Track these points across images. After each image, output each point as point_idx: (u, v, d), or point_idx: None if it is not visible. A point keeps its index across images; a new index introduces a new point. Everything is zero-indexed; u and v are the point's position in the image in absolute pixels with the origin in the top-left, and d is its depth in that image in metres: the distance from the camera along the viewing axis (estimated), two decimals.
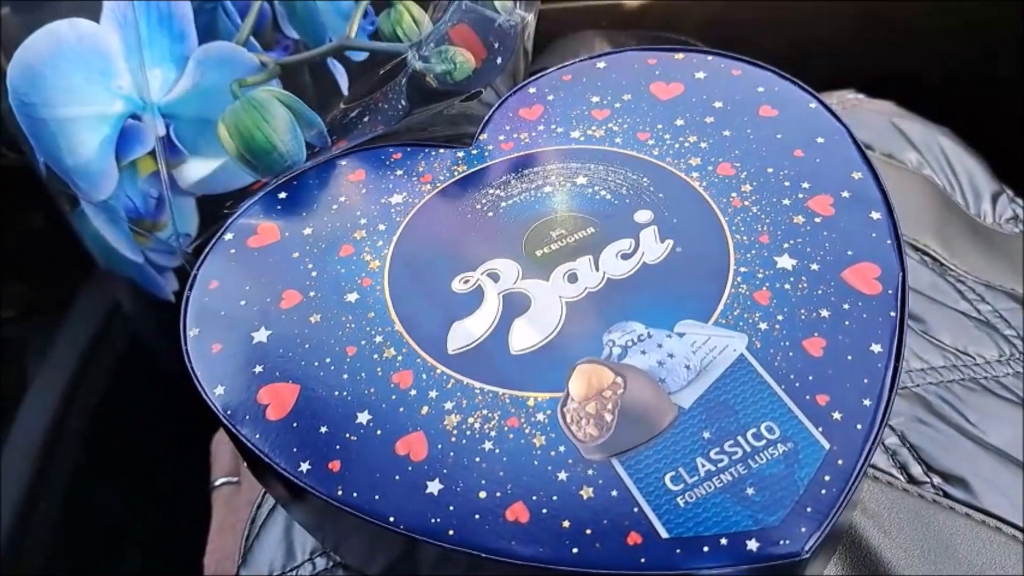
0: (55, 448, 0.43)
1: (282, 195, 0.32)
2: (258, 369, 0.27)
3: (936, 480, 0.29)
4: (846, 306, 0.26)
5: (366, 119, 0.34)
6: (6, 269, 0.49)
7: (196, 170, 0.35)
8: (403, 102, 0.34)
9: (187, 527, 0.37)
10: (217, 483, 0.36)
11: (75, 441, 0.44)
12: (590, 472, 0.23)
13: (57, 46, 0.33)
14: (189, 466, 0.39)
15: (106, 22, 0.34)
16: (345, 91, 0.35)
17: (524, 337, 0.27)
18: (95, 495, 0.45)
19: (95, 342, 0.48)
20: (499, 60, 0.35)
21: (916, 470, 0.30)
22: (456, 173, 0.32)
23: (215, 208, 0.35)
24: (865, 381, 0.24)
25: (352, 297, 0.28)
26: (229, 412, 0.26)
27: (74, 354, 0.46)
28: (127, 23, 0.34)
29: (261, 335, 0.28)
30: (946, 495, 0.29)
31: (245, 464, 0.28)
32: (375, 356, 0.27)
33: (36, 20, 0.33)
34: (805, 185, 0.30)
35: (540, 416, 0.25)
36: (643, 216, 0.30)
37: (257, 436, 0.25)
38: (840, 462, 0.23)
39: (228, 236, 0.31)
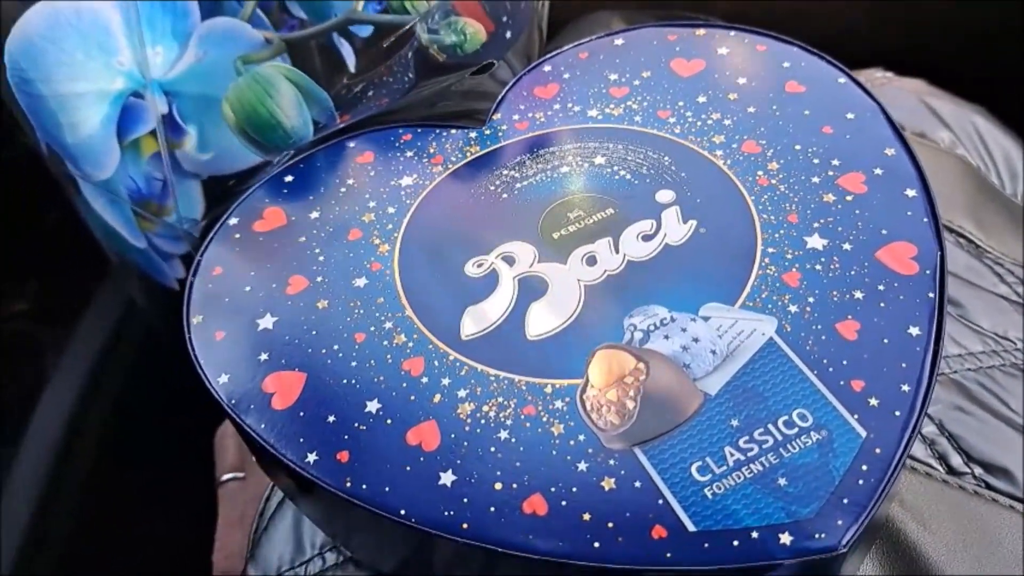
0: (73, 445, 0.43)
1: (288, 178, 0.31)
2: (263, 357, 0.26)
3: (977, 471, 0.28)
4: (881, 287, 0.25)
5: (371, 93, 0.33)
6: (20, 266, 0.49)
7: (200, 149, 0.34)
8: (410, 75, 0.33)
9: (204, 522, 0.36)
10: (222, 479, 0.35)
11: (93, 438, 0.44)
12: (612, 462, 0.22)
13: (55, 19, 0.32)
14: (207, 461, 0.38)
15: None
16: (352, 69, 0.34)
17: (541, 322, 0.26)
18: (113, 492, 0.44)
19: (113, 339, 0.47)
20: (509, 33, 0.34)
21: (956, 460, 0.28)
22: (468, 154, 0.31)
23: (222, 191, 0.34)
24: (903, 365, 0.23)
25: (361, 282, 0.27)
26: (233, 401, 0.25)
27: (92, 352, 0.46)
28: None
29: (266, 322, 0.27)
30: (988, 486, 0.28)
31: (252, 458, 0.27)
32: (385, 343, 0.26)
33: None
34: (835, 162, 0.28)
35: (558, 404, 0.24)
36: (665, 196, 0.28)
37: (262, 426, 0.24)
38: (878, 451, 0.22)
39: (233, 221, 0.30)
